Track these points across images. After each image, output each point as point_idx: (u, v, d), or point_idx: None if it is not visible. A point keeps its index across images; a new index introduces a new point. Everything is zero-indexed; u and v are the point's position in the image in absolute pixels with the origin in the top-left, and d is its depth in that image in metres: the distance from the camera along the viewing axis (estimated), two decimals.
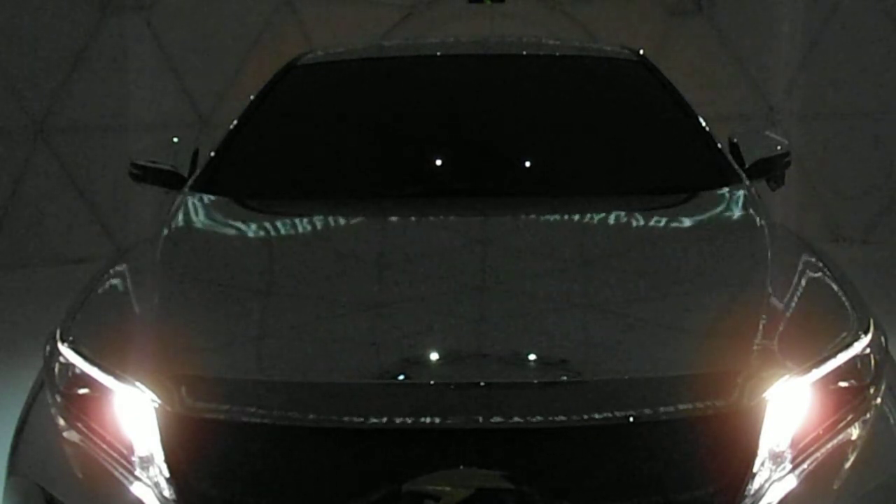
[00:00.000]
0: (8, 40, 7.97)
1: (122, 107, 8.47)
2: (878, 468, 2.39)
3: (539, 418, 2.26)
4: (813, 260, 2.96)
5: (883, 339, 2.62)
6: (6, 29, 7.95)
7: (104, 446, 2.40)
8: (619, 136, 3.83)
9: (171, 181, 3.77)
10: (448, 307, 2.68)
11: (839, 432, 2.38)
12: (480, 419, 2.25)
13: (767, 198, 3.69)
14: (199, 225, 3.41)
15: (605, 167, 3.68)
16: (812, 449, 2.35)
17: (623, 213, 3.31)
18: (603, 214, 3.33)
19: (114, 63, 8.43)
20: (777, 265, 2.83)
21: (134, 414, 2.38)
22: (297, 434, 2.27)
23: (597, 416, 2.25)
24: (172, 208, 3.46)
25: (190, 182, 3.66)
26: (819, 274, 2.89)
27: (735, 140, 3.96)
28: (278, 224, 3.41)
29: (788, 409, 2.34)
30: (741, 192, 3.47)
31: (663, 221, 3.37)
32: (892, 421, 2.47)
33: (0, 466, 2.63)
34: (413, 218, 3.36)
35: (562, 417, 2.26)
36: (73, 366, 2.52)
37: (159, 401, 2.34)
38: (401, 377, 2.40)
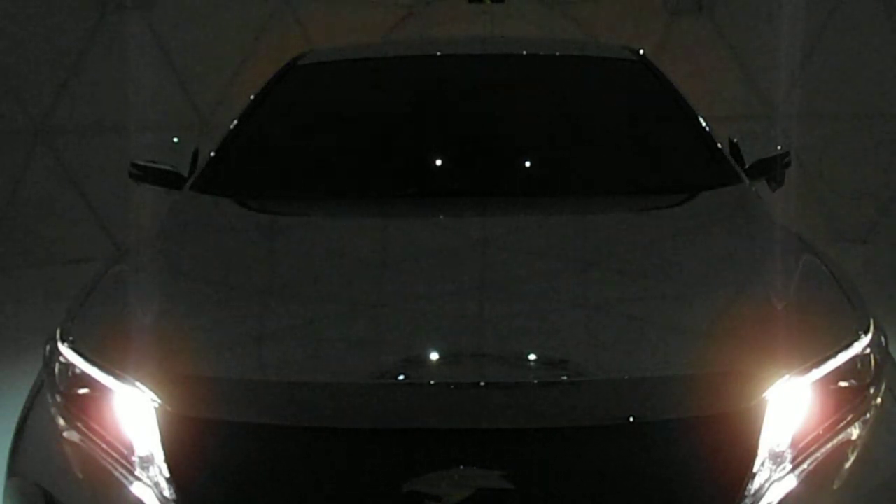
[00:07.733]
0: (8, 40, 7.96)
1: (122, 107, 8.46)
2: (878, 468, 2.39)
3: (539, 418, 2.26)
4: (813, 260, 2.95)
5: (883, 339, 2.62)
6: (6, 29, 7.94)
7: (104, 446, 2.40)
8: (620, 136, 3.84)
9: (171, 181, 3.78)
10: (448, 307, 2.68)
11: (839, 432, 2.38)
12: (480, 419, 2.25)
13: (767, 198, 3.69)
14: (198, 225, 3.41)
15: (606, 167, 3.68)
16: (812, 449, 2.35)
17: (623, 213, 3.31)
18: (603, 214, 3.32)
19: (114, 63, 8.42)
20: (777, 265, 2.83)
21: (134, 414, 2.38)
22: (298, 434, 2.26)
23: (597, 416, 2.25)
24: (172, 208, 3.46)
25: (190, 182, 3.66)
26: (819, 274, 2.89)
27: (735, 140, 3.96)
28: (278, 224, 3.41)
29: (788, 409, 2.34)
30: (741, 192, 3.47)
31: (663, 221, 3.37)
32: (892, 421, 2.47)
33: (0, 467, 2.63)
34: (413, 218, 3.35)
35: (561, 418, 2.26)
36: (73, 366, 2.52)
37: (159, 401, 2.34)
38: (401, 377, 2.40)
